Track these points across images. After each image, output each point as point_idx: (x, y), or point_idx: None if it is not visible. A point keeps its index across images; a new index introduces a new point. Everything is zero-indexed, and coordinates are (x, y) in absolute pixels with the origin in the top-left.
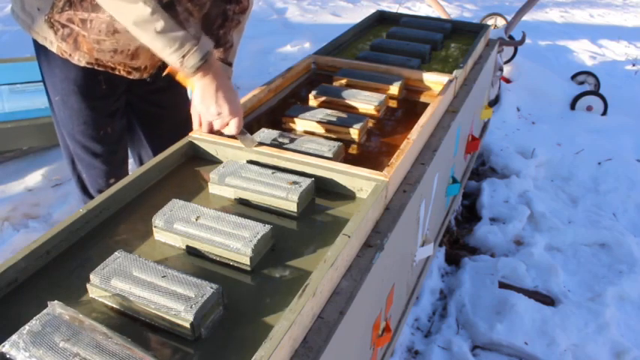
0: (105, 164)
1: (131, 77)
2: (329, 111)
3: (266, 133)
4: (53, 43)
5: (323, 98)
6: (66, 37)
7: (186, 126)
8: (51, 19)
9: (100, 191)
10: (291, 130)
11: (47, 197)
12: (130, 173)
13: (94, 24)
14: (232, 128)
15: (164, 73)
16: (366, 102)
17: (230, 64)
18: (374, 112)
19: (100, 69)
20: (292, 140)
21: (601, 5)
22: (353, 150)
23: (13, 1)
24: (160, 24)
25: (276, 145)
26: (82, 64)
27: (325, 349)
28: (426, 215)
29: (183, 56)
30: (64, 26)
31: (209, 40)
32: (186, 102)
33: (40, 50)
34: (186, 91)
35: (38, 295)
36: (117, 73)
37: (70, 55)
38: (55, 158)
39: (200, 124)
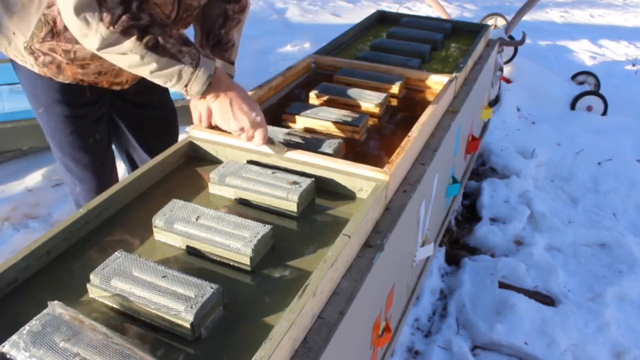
0: (95, 175)
1: (113, 89)
2: (329, 109)
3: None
4: (34, 66)
5: (324, 96)
6: (48, 64)
7: (173, 122)
8: (31, 47)
9: None
10: (292, 128)
11: (47, 197)
12: (119, 179)
13: (78, 54)
14: (257, 141)
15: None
16: (366, 100)
17: (232, 63)
18: (374, 111)
19: (84, 84)
20: (293, 137)
21: (601, 5)
22: (353, 148)
23: None
24: (152, 66)
25: (276, 142)
26: (67, 82)
27: (325, 349)
28: (426, 215)
29: (186, 85)
30: (45, 54)
31: (210, 62)
32: (169, 99)
33: (18, 65)
34: (167, 89)
35: (38, 295)
36: (99, 86)
37: (54, 77)
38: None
39: (200, 120)
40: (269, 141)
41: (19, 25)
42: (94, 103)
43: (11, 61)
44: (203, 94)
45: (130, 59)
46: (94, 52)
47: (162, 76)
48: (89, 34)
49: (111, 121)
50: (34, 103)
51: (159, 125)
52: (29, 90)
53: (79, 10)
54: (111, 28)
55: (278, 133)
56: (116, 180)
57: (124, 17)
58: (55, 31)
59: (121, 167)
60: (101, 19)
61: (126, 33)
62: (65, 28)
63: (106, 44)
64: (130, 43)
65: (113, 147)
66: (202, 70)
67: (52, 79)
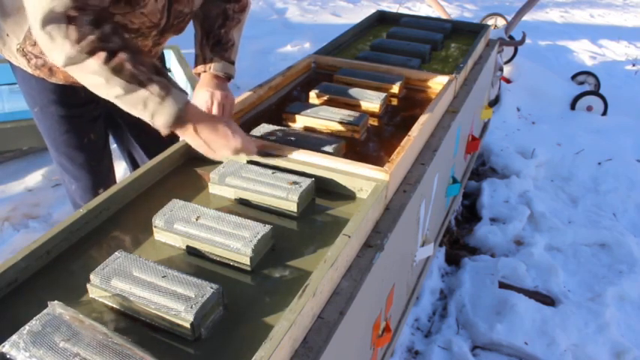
0: (91, 174)
1: None
2: (330, 108)
3: (266, 129)
4: (27, 67)
5: (324, 96)
6: (40, 67)
7: None
8: (23, 49)
9: None
10: (292, 127)
11: (47, 197)
12: (119, 179)
13: None
14: (249, 151)
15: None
16: (366, 100)
17: (232, 63)
18: (374, 110)
19: (77, 85)
20: (293, 136)
21: (601, 5)
22: (353, 147)
23: None
24: (116, 90)
25: (276, 140)
26: (60, 83)
27: (325, 349)
28: (426, 215)
29: (152, 115)
30: (37, 57)
31: (182, 95)
32: None
33: (14, 65)
34: None
35: (38, 295)
36: None
37: (47, 78)
38: None
39: None
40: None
41: (12, 27)
42: (88, 103)
43: (8, 61)
44: (170, 127)
45: (95, 80)
46: (60, 66)
47: (127, 102)
48: (54, 50)
49: (112, 120)
50: (29, 103)
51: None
52: (25, 90)
53: (45, 23)
54: (76, 46)
55: (278, 131)
56: (113, 179)
57: (91, 37)
58: None
59: (122, 167)
60: (67, 37)
61: (92, 53)
62: None
63: (70, 62)
64: (95, 64)
65: (114, 147)
66: (171, 102)
67: (46, 80)
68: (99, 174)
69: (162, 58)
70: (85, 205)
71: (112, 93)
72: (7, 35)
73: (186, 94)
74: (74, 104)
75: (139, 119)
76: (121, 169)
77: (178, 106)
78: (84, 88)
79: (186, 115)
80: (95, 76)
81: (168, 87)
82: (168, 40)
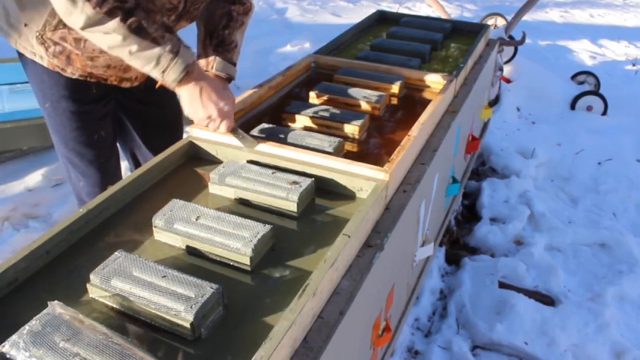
0: (99, 171)
1: (122, 86)
2: (329, 108)
3: (266, 129)
4: (44, 58)
5: (323, 95)
6: (58, 54)
7: (180, 122)
8: (43, 36)
9: None
10: (291, 127)
11: (47, 197)
12: (123, 177)
13: (88, 43)
14: (222, 129)
15: (157, 86)
16: (366, 99)
17: (234, 64)
18: (374, 110)
19: (92, 80)
20: (293, 136)
21: (601, 5)
22: (353, 147)
23: None
24: (133, 47)
25: (276, 140)
26: (75, 76)
27: (325, 349)
28: (426, 215)
29: (163, 71)
30: (56, 44)
31: (190, 53)
32: (175, 99)
33: (25, 58)
34: None
35: (38, 295)
36: (108, 82)
37: (63, 69)
38: (55, 158)
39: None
40: (237, 133)
41: (32, 15)
42: (99, 100)
43: (19, 56)
44: (179, 83)
45: (112, 39)
46: (79, 30)
47: (142, 58)
48: (74, 13)
49: (117, 119)
50: (40, 98)
51: (165, 124)
52: (36, 85)
53: None
54: (97, 8)
55: (277, 131)
56: (120, 177)
57: None
58: None
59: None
60: (88, 0)
61: (110, 14)
62: None
63: (90, 23)
64: (114, 23)
65: (118, 145)
66: (181, 59)
67: (60, 75)
68: (107, 171)
69: None
70: (85, 205)
71: (127, 50)
72: (25, 25)
73: (192, 51)
74: (85, 100)
75: (144, 117)
76: (123, 169)
77: (187, 62)
78: (96, 85)
79: (192, 71)
80: (113, 35)
81: (179, 44)
82: (180, 31)
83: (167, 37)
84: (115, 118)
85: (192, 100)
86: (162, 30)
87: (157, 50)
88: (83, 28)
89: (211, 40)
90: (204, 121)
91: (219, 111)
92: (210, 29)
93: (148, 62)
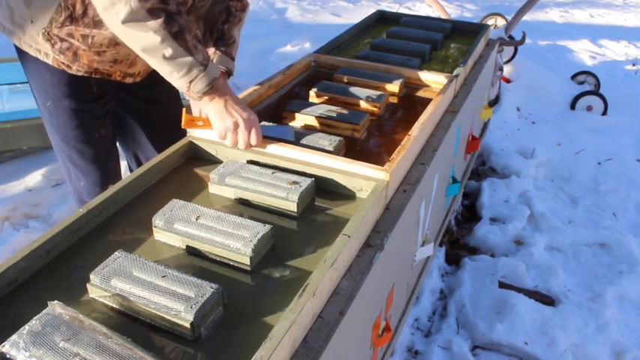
0: (100, 170)
1: (125, 81)
2: (329, 107)
3: (266, 128)
4: (49, 55)
5: (323, 95)
6: (65, 50)
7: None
8: (49, 32)
9: None
10: (292, 126)
11: (47, 197)
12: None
13: (96, 39)
14: (253, 140)
15: (177, 91)
16: (366, 99)
17: (233, 59)
18: (374, 109)
19: (96, 76)
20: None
21: (601, 5)
22: (353, 146)
23: None
24: (168, 51)
25: (276, 139)
26: (80, 73)
27: (325, 349)
28: (426, 215)
29: (191, 81)
30: (62, 40)
31: (216, 67)
32: (179, 98)
33: (27, 57)
34: None
35: (38, 295)
36: (112, 78)
37: (68, 66)
38: (55, 158)
39: (200, 115)
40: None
41: (38, 12)
42: (100, 98)
43: (19, 56)
44: (202, 95)
45: (150, 40)
46: (117, 24)
47: (174, 64)
48: (117, 5)
49: (117, 118)
50: (42, 97)
51: (168, 123)
52: (38, 83)
53: None
54: (142, 2)
55: (278, 130)
56: (120, 177)
57: None
58: (73, 15)
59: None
60: None
61: (153, 13)
62: (84, 14)
63: (132, 18)
64: (156, 23)
65: (118, 145)
66: (209, 72)
67: (63, 72)
68: (108, 170)
69: None
70: (85, 205)
71: (161, 54)
72: (31, 22)
73: (219, 69)
74: (86, 99)
75: (147, 115)
76: (123, 170)
77: (214, 75)
78: (96, 83)
79: (217, 85)
80: (152, 35)
81: (209, 58)
82: None
83: (200, 49)
84: (115, 116)
85: (218, 111)
86: (196, 41)
87: (190, 59)
88: (124, 22)
89: (211, 34)
90: (231, 130)
91: (245, 120)
92: (209, 24)
93: (179, 70)
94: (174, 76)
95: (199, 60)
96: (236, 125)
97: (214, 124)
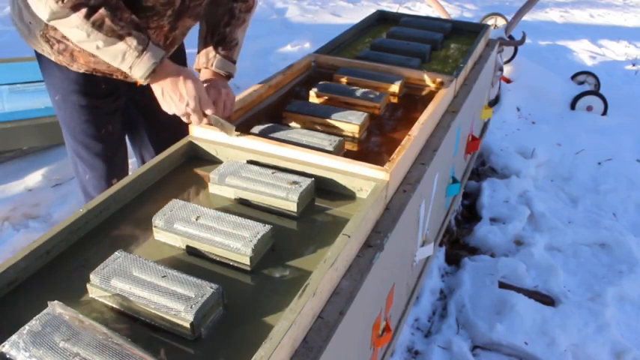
0: (106, 164)
1: (128, 81)
2: (330, 107)
3: (266, 127)
4: (51, 54)
5: (323, 95)
6: (62, 51)
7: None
8: (46, 34)
9: None
10: (291, 126)
11: (47, 197)
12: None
13: None
14: (194, 120)
15: (137, 85)
16: (366, 99)
17: (234, 62)
18: (374, 109)
19: (98, 75)
20: (293, 134)
21: (601, 5)
22: (353, 146)
23: (11, 9)
24: (99, 42)
25: (276, 138)
26: (81, 71)
27: (325, 349)
28: (426, 215)
29: (130, 67)
30: (59, 42)
31: (159, 51)
32: None
33: (39, 54)
34: None
35: (38, 295)
36: (114, 77)
37: (69, 64)
38: (55, 158)
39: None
40: (216, 122)
41: (34, 14)
42: (109, 95)
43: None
44: (146, 79)
45: (78, 34)
46: (47, 22)
47: (108, 53)
48: (40, 5)
49: (128, 116)
50: (51, 91)
51: (171, 120)
52: (47, 77)
53: None
54: (60, 3)
55: (278, 130)
56: (127, 173)
57: None
58: None
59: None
60: None
61: (75, 9)
62: None
63: (55, 17)
64: (77, 19)
65: (127, 141)
66: (148, 56)
67: (69, 69)
68: (114, 165)
69: (182, 50)
70: (85, 205)
71: (93, 46)
72: (30, 23)
73: (163, 50)
74: (94, 95)
75: (155, 113)
76: (131, 167)
77: (155, 60)
78: (104, 81)
79: (162, 69)
80: (78, 30)
81: (147, 41)
82: (188, 30)
83: (134, 35)
84: (126, 114)
85: (165, 92)
86: (129, 27)
87: (122, 47)
88: (48, 20)
89: (213, 37)
90: (182, 109)
91: (193, 99)
92: (211, 26)
93: (114, 58)
94: (114, 64)
95: (133, 45)
96: (185, 105)
97: (162, 105)
